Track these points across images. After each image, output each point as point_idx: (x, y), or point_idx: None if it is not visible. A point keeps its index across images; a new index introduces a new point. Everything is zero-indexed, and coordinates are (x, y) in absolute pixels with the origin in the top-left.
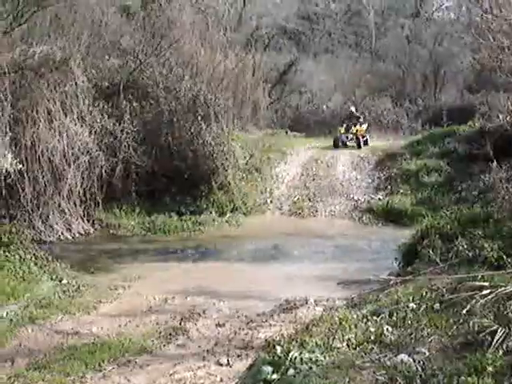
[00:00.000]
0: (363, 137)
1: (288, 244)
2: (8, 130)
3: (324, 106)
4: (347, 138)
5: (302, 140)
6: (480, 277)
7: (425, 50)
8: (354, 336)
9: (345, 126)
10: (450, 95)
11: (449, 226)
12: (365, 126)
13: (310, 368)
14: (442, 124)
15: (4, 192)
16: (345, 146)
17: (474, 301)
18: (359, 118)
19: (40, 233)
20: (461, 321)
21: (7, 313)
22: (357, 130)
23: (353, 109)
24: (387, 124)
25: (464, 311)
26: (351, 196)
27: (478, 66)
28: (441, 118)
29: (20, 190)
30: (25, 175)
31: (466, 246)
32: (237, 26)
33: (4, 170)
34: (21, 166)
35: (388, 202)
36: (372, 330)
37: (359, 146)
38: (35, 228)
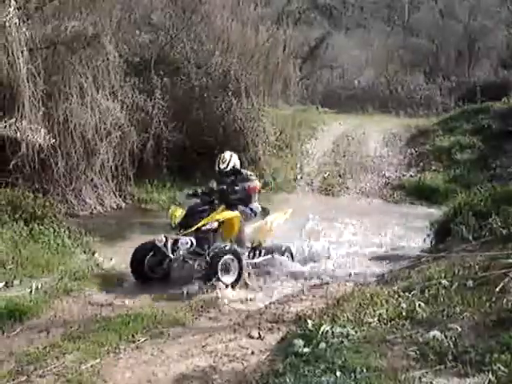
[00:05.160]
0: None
1: (318, 220)
2: (41, 105)
3: (356, 82)
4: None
5: (333, 116)
6: None
7: (459, 24)
8: (385, 312)
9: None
10: (484, 71)
11: (482, 204)
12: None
13: (342, 342)
14: (476, 100)
15: (38, 167)
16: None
17: (507, 279)
18: (242, 173)
19: (73, 207)
20: (493, 298)
21: (42, 285)
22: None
23: (228, 156)
24: (420, 100)
25: (497, 289)
26: (382, 173)
27: None
28: (474, 94)
29: (53, 165)
30: (58, 150)
31: (499, 224)
32: (268, 0)
33: (37, 145)
34: (54, 140)
35: (420, 179)
36: (403, 306)
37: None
38: (68, 202)
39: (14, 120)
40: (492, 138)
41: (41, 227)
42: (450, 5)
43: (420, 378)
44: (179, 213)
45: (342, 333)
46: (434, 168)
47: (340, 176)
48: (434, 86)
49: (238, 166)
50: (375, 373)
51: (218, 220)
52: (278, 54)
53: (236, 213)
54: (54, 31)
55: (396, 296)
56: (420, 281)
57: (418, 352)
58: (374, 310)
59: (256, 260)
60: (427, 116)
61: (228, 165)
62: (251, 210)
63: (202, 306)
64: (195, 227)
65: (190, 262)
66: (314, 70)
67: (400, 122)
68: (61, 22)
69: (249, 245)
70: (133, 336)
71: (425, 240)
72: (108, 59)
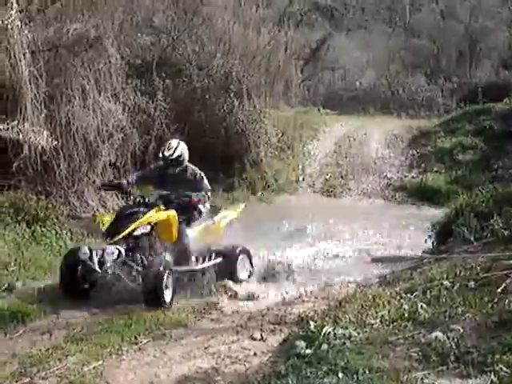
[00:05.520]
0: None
1: (320, 222)
2: (43, 107)
3: (357, 83)
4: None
5: (335, 117)
6: None
7: (460, 25)
8: (387, 313)
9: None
10: (486, 72)
11: (484, 205)
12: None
13: (344, 343)
14: (478, 101)
15: (40, 169)
16: None
17: (508, 280)
18: (195, 174)
19: (75, 209)
20: (495, 299)
21: (44, 286)
22: None
23: (174, 143)
24: (421, 101)
25: (499, 290)
26: (384, 174)
27: None
28: (476, 95)
29: (55, 167)
30: (60, 152)
31: (501, 225)
32: (269, 2)
33: (40, 147)
34: (56, 142)
35: (422, 180)
36: (406, 307)
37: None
38: (70, 204)
39: (16, 122)
40: (494, 139)
41: (43, 229)
42: (450, 6)
43: (422, 379)
44: (108, 218)
45: (344, 334)
46: (435, 169)
47: (342, 177)
48: (435, 87)
49: (186, 156)
50: (377, 374)
51: (150, 223)
52: (279, 56)
53: (172, 211)
54: (56, 34)
55: (398, 297)
56: (422, 282)
57: (420, 353)
58: (376, 312)
59: (203, 265)
60: (429, 117)
61: (174, 152)
62: (196, 210)
63: (204, 308)
64: (123, 234)
65: (122, 275)
66: (316, 71)
67: (401, 124)
68: (63, 24)
69: (196, 248)
70: (135, 338)
71: (426, 241)
72: (110, 62)
